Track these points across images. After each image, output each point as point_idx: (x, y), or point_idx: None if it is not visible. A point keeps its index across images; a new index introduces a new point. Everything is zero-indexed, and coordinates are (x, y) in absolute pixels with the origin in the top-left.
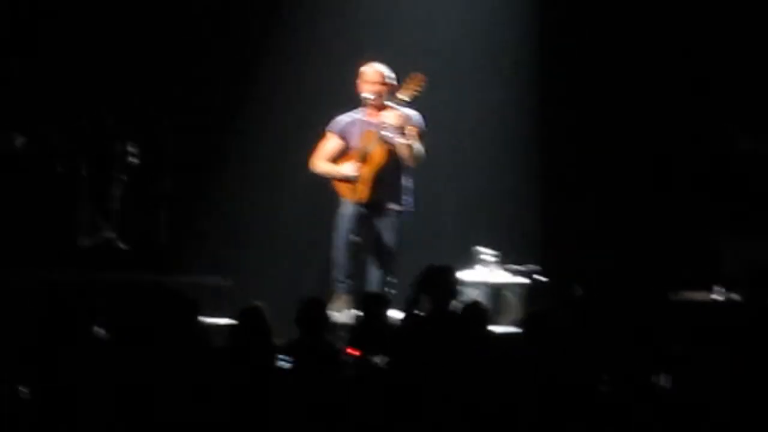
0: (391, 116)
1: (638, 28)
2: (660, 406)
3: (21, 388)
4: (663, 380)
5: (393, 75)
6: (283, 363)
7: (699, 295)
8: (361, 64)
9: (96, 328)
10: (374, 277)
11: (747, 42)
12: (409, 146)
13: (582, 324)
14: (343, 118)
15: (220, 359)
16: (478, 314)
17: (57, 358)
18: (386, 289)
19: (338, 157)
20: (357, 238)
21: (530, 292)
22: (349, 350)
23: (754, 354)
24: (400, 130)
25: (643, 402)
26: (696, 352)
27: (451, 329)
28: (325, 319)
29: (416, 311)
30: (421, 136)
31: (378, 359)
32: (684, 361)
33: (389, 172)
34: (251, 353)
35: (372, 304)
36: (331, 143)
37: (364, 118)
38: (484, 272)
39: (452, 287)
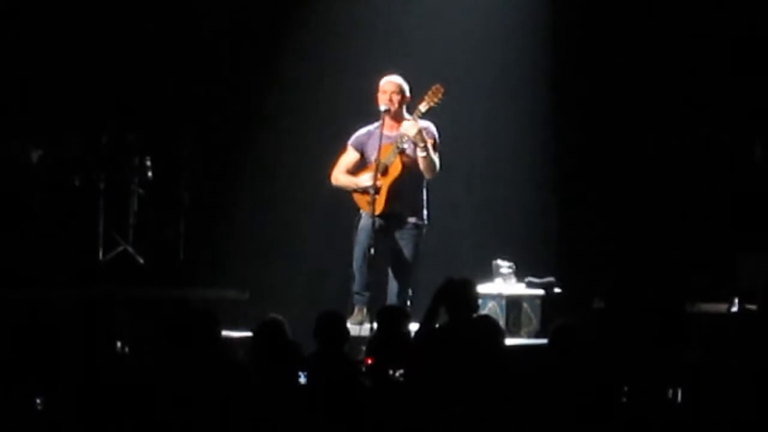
0: (410, 127)
1: (652, 40)
2: (677, 416)
3: (37, 399)
4: (680, 391)
5: (408, 87)
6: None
7: (716, 307)
8: (380, 77)
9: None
10: (392, 290)
11: (760, 53)
12: (427, 157)
13: (602, 336)
14: (362, 131)
15: (241, 373)
16: (488, 328)
17: (78, 370)
18: (405, 302)
19: (357, 170)
20: (374, 252)
21: (548, 305)
22: (366, 361)
23: None
24: (418, 142)
25: (661, 412)
26: (713, 363)
27: (465, 342)
28: (345, 332)
29: (435, 324)
30: (435, 147)
31: (395, 372)
32: (701, 372)
33: (407, 185)
34: (272, 366)
35: (389, 317)
36: (349, 156)
37: (383, 131)
38: (502, 285)
39: (472, 301)
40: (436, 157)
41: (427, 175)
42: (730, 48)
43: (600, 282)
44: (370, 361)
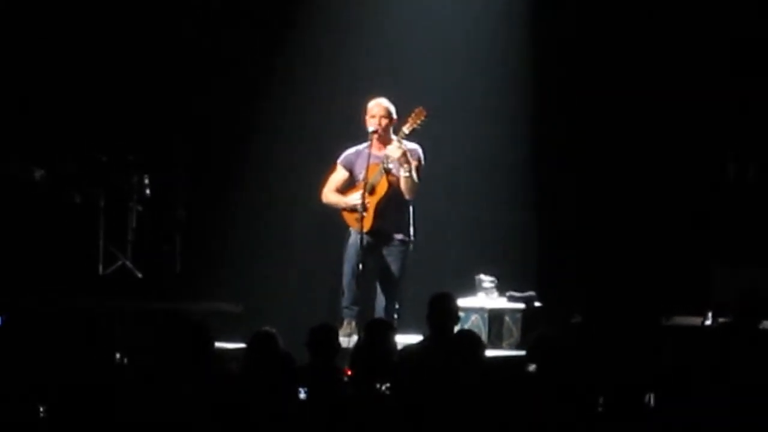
0: (395, 149)
1: (631, 64)
2: (651, 424)
3: (40, 407)
4: (653, 400)
5: (395, 109)
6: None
7: (690, 320)
8: (368, 100)
9: None
10: (380, 303)
11: (736, 73)
12: (409, 178)
13: (581, 349)
14: (351, 151)
15: (234, 383)
16: (470, 341)
17: (76, 380)
18: (392, 315)
19: (346, 188)
20: (362, 267)
21: (529, 318)
22: (346, 371)
23: (744, 375)
24: (403, 163)
25: (636, 421)
26: (686, 373)
27: (449, 354)
28: (337, 345)
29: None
30: (419, 169)
31: (382, 385)
32: (674, 381)
33: (394, 204)
34: (264, 378)
35: (377, 330)
36: (339, 175)
37: (370, 151)
38: (485, 298)
39: (452, 313)
40: (417, 179)
41: (407, 195)
42: (704, 68)
43: (578, 297)
44: (349, 372)
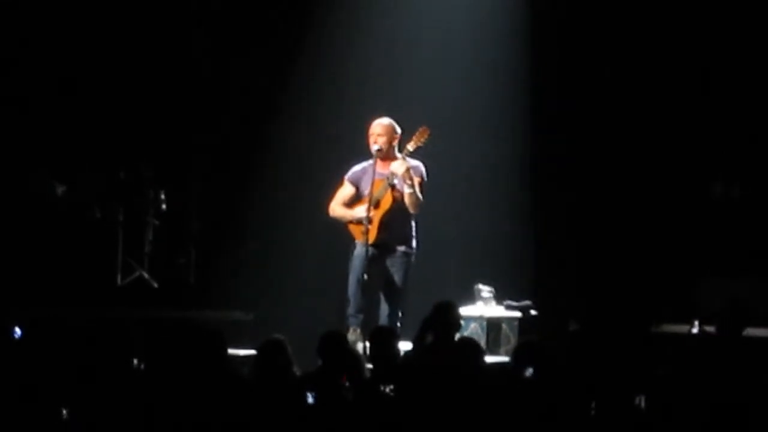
0: (399, 166)
1: (625, 83)
2: (640, 427)
3: (63, 410)
4: (642, 402)
5: (399, 129)
6: (309, 398)
7: (678, 329)
8: (373, 119)
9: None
10: (384, 312)
11: (722, 94)
12: (413, 194)
13: (577, 355)
14: (357, 168)
15: (245, 388)
16: (469, 347)
17: (96, 385)
18: (395, 323)
19: (352, 203)
20: (367, 277)
21: (525, 325)
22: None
23: (727, 379)
24: (406, 180)
25: (626, 423)
26: (673, 378)
27: (450, 360)
28: (345, 350)
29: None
30: (422, 185)
31: (386, 387)
32: (662, 385)
33: (397, 217)
34: (273, 384)
35: (381, 337)
36: (346, 190)
37: (375, 168)
38: (483, 307)
39: (455, 320)
40: (420, 195)
41: (411, 210)
42: (693, 89)
43: (573, 306)
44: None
